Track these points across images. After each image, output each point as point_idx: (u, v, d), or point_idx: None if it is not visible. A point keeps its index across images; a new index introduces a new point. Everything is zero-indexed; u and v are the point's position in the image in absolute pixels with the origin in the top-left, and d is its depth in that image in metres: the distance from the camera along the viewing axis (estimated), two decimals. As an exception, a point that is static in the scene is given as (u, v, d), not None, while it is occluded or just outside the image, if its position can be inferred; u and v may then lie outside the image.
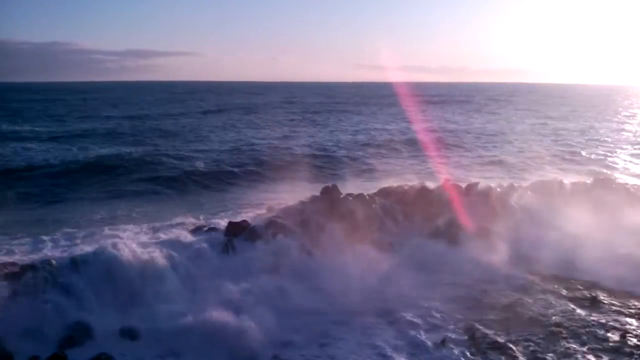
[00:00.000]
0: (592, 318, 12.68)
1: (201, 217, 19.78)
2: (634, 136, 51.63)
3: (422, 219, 18.74)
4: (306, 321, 12.43)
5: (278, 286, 13.80)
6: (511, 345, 11.31)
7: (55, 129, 49.67)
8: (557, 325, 12.27)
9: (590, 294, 14.08)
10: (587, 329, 12.08)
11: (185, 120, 61.65)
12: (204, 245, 15.27)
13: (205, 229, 17.17)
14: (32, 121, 57.44)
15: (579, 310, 13.08)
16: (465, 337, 11.71)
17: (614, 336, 11.78)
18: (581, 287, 14.64)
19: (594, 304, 13.57)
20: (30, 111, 73.09)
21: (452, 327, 12.23)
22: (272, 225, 16.40)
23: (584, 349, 11.20)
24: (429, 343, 11.48)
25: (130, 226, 18.35)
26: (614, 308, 13.31)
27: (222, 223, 17.50)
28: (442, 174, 27.47)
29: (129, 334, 11.51)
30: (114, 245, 13.79)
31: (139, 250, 13.87)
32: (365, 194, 19.17)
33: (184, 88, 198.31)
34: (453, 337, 11.71)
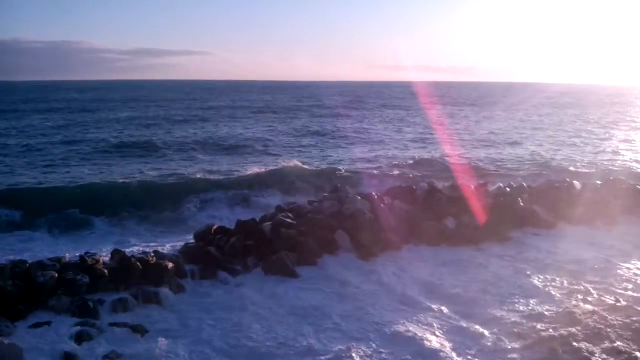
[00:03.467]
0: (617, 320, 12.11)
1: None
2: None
3: (431, 219, 18.66)
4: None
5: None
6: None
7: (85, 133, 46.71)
8: (578, 324, 11.82)
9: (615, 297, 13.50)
10: (609, 331, 11.52)
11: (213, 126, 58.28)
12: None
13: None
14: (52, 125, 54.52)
15: (603, 313, 12.45)
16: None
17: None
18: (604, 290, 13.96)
19: (616, 306, 12.98)
20: (48, 112, 72.02)
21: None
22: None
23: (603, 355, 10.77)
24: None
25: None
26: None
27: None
28: (459, 176, 27.22)
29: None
30: None
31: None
32: (373, 193, 19.22)
33: (198, 86, 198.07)
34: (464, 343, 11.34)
